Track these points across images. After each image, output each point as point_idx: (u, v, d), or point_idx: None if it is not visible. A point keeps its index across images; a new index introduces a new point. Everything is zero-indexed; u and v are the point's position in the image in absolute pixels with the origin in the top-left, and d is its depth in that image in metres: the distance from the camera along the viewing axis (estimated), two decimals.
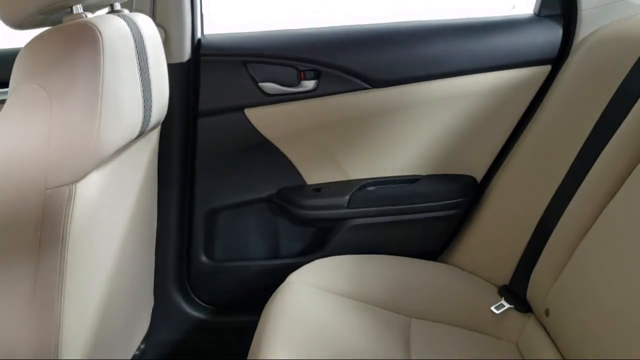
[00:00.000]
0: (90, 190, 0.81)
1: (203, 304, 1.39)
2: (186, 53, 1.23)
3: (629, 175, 0.93)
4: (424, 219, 1.33)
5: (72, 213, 0.77)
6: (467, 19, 1.28)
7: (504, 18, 1.27)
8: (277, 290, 1.13)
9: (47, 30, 0.78)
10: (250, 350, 1.01)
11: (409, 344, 1.05)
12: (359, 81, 1.26)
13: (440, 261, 1.34)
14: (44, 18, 0.81)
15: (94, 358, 0.97)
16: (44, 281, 0.79)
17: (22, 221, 0.76)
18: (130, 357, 1.20)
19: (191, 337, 1.37)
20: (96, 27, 0.77)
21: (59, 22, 0.82)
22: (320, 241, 1.37)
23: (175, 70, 1.21)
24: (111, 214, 0.93)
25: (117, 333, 1.09)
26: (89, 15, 0.83)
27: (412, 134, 1.30)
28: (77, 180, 0.76)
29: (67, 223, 0.78)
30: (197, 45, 1.26)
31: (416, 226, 1.34)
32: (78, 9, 0.82)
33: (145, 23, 0.94)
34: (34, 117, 0.73)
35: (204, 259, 1.37)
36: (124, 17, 0.88)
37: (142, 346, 1.30)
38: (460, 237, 1.34)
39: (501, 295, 1.18)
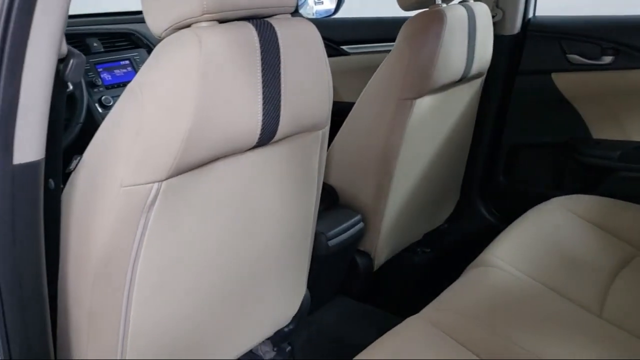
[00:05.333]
0: (423, 106, 1.42)
1: (494, 212, 1.92)
2: (517, 28, 1.72)
3: None
4: None
5: (410, 119, 1.40)
6: None
7: None
8: (538, 205, 1.58)
9: (420, 13, 1.40)
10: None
11: (623, 269, 1.37)
12: None
13: None
14: (421, 4, 1.42)
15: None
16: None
17: (381, 121, 1.41)
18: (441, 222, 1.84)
19: (482, 232, 1.91)
20: (444, 13, 1.36)
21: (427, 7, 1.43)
22: (592, 183, 1.72)
23: (506, 40, 1.72)
24: (435, 127, 1.53)
25: (430, 204, 1.72)
26: (444, 5, 1.42)
27: None
28: (416, 98, 1.38)
29: (407, 124, 1.40)
30: (526, 23, 1.73)
31: None
32: (439, 1, 1.42)
33: (480, 9, 1.48)
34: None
35: (502, 179, 1.88)
36: (465, 6, 1.44)
37: (446, 225, 1.92)
38: None
39: None
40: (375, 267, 1.58)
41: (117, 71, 1.62)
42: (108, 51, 1.63)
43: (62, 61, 0.79)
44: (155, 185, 0.81)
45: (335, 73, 1.94)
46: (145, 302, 0.90)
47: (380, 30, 1.99)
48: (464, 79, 1.50)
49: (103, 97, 1.53)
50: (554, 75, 1.69)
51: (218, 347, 1.11)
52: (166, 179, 0.81)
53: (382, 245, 1.55)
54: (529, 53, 1.72)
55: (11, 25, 0.65)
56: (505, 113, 1.81)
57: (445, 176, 1.74)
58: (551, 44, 1.68)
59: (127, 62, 1.65)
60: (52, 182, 0.83)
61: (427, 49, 1.35)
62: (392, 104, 1.39)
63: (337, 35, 2.08)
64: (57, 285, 0.91)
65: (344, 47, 2.10)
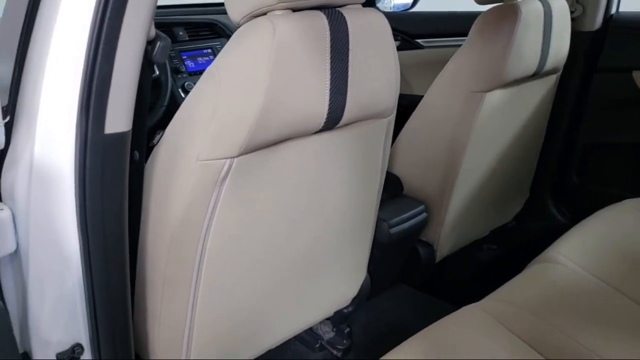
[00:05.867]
0: (493, 99, 1.42)
1: (565, 211, 1.88)
2: (597, 24, 1.67)
3: None
4: None
5: (479, 112, 1.40)
6: None
7: None
8: (609, 205, 1.53)
9: (494, 7, 1.40)
10: None
11: None
12: None
13: None
14: None
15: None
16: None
17: (450, 113, 1.43)
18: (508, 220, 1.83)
19: (551, 231, 1.87)
20: (519, 7, 1.35)
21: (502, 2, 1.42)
22: None
23: (585, 36, 1.68)
24: (506, 122, 1.52)
25: (497, 200, 1.71)
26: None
27: None
28: (487, 91, 1.38)
29: (477, 117, 1.40)
30: (608, 18, 1.68)
31: None
32: None
33: (558, 4, 1.46)
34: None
35: (575, 179, 1.84)
36: (542, 1, 1.42)
37: (514, 223, 1.90)
38: None
39: None
40: (438, 259, 1.59)
41: (200, 59, 1.72)
42: (192, 40, 1.73)
43: (150, 43, 0.87)
44: (228, 161, 0.88)
45: (409, 66, 1.99)
46: (214, 270, 0.97)
47: (455, 24, 2.00)
48: (537, 75, 1.49)
49: (186, 83, 1.63)
50: (635, 74, 1.64)
51: (280, 319, 1.18)
52: (238, 155, 0.88)
53: (445, 237, 1.56)
54: (609, 50, 1.68)
55: (108, 11, 0.74)
56: (582, 111, 1.77)
57: (515, 172, 1.72)
58: (634, 41, 1.63)
59: (209, 50, 1.75)
60: (136, 154, 0.92)
61: (500, 43, 1.35)
62: (462, 96, 1.40)
63: (413, 28, 2.10)
64: (137, 251, 1.00)
65: (418, 41, 2.11)
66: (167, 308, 1.01)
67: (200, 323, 1.02)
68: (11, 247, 0.85)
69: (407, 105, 1.55)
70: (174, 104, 1.56)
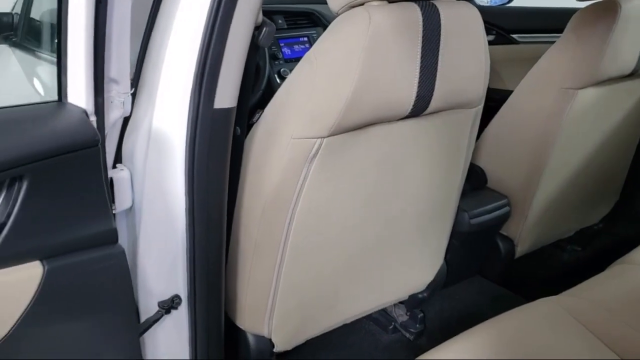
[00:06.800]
0: (586, 97, 1.40)
1: None
2: None
3: None
4: None
5: (570, 109, 1.39)
6: None
7: None
8: None
9: (593, 3, 1.38)
10: None
11: None
12: None
13: None
14: None
15: None
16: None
17: (540, 108, 1.43)
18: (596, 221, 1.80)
19: (635, 234, 1.81)
20: (619, 4, 1.33)
21: None
22: None
23: None
24: (598, 121, 1.50)
25: (584, 200, 1.68)
26: None
27: None
28: (579, 88, 1.37)
29: (567, 114, 1.40)
30: None
31: None
32: None
33: None
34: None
35: None
36: None
37: (601, 225, 1.85)
38: None
39: None
40: (518, 254, 1.60)
41: (296, 47, 1.80)
42: (290, 28, 1.82)
43: (257, 29, 0.96)
44: (318, 141, 0.95)
45: (503, 60, 1.98)
46: (299, 241, 1.05)
47: (553, 21, 1.96)
48: (635, 74, 1.45)
49: (282, 70, 1.71)
50: None
51: (355, 295, 1.24)
52: (328, 136, 0.95)
53: (527, 234, 1.56)
54: None
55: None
56: None
57: (606, 174, 1.68)
58: None
59: (305, 39, 1.83)
60: (238, 129, 1.01)
61: (596, 40, 1.33)
62: (553, 92, 1.40)
63: (509, 23, 2.09)
64: (233, 217, 1.10)
65: (514, 36, 2.10)
66: (255, 272, 1.10)
67: (284, 290, 1.10)
68: (128, 203, 0.97)
69: (499, 99, 1.56)
70: (270, 88, 1.66)
